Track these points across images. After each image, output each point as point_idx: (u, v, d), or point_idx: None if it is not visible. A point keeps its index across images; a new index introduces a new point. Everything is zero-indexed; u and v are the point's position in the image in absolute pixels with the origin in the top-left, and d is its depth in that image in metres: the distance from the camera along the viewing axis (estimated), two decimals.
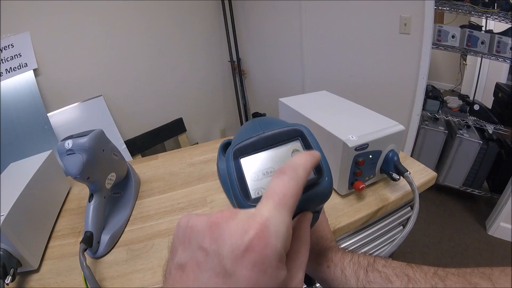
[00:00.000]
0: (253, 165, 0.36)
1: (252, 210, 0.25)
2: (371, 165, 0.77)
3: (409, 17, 1.92)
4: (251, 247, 0.21)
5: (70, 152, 0.68)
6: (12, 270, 0.63)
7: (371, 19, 2.11)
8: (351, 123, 0.80)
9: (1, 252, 0.63)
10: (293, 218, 0.32)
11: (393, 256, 0.84)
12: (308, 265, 0.40)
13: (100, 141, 0.75)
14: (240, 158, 0.37)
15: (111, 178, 0.79)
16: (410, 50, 2.01)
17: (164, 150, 2.48)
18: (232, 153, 0.37)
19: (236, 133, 0.45)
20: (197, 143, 2.74)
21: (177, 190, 0.94)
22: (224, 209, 0.25)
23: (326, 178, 0.35)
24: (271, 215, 0.24)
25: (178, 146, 2.69)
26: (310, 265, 0.43)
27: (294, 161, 0.29)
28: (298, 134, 0.38)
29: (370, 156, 0.75)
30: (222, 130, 3.32)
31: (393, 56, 2.11)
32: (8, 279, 0.61)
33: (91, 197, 0.74)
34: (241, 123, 3.16)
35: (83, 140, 0.69)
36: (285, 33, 2.70)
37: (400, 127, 0.77)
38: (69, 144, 0.69)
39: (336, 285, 0.39)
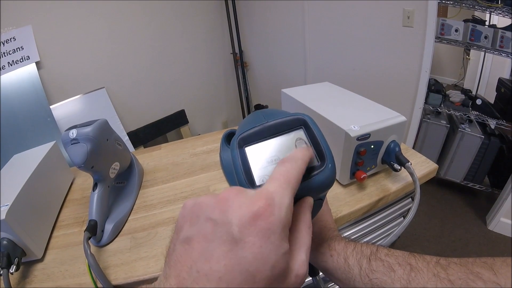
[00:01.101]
0: (257, 154, 0.37)
1: (258, 188, 0.27)
2: (372, 155, 0.77)
3: (412, 10, 1.92)
4: (258, 215, 0.23)
5: (75, 141, 0.69)
6: (16, 260, 0.63)
7: (374, 11, 2.10)
8: (353, 114, 0.80)
9: (5, 242, 0.63)
10: (294, 203, 0.33)
11: (393, 248, 0.84)
12: (311, 254, 0.41)
13: (104, 130, 0.75)
14: (245, 147, 0.37)
15: (115, 167, 0.80)
16: (413, 43, 2.01)
17: (166, 142, 2.49)
18: (237, 142, 0.38)
19: (240, 124, 0.46)
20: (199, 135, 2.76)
21: (180, 180, 0.95)
22: (231, 187, 0.27)
23: (330, 165, 0.35)
24: (276, 190, 0.26)
25: (180, 138, 2.68)
26: (313, 254, 0.43)
27: (294, 154, 0.32)
28: (302, 123, 0.38)
29: (372, 146, 0.75)
30: (224, 122, 3.33)
31: (396, 49, 2.11)
32: (12, 269, 0.61)
33: (95, 186, 0.75)
34: (243, 115, 3.18)
35: (88, 129, 0.69)
36: (288, 26, 2.70)
37: (402, 118, 0.78)
38: (73, 133, 0.69)
39: (340, 274, 0.39)
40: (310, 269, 0.48)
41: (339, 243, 0.42)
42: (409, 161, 0.74)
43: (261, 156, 0.36)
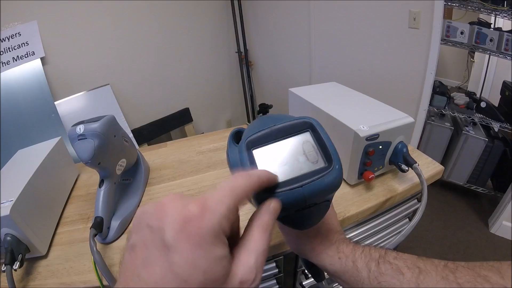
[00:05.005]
0: (265, 156, 0.38)
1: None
2: (380, 155, 0.77)
3: (418, 11, 1.91)
4: (188, 220, 0.23)
5: (82, 137, 0.68)
6: (20, 256, 0.63)
7: (380, 12, 2.09)
8: (362, 114, 0.80)
9: (9, 238, 0.63)
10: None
11: (397, 250, 0.83)
12: (319, 257, 0.42)
13: (112, 126, 0.74)
14: (253, 149, 0.38)
15: (122, 164, 0.79)
16: (418, 45, 2.00)
17: (170, 140, 2.49)
18: (245, 144, 0.38)
19: (247, 128, 0.46)
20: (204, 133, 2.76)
21: (186, 177, 0.95)
22: (172, 193, 0.27)
23: (337, 166, 0.36)
24: (212, 196, 0.26)
25: (184, 136, 2.69)
26: (321, 257, 0.43)
27: (251, 171, 0.32)
28: (308, 126, 0.39)
29: (380, 147, 0.75)
30: (228, 121, 3.33)
31: (402, 51, 2.10)
32: (16, 265, 0.61)
33: (101, 182, 0.74)
34: (248, 114, 3.17)
35: (95, 125, 0.69)
36: (293, 25, 2.69)
37: (410, 119, 0.77)
38: (80, 129, 0.68)
39: (348, 277, 0.39)
40: (315, 274, 0.49)
41: (347, 246, 0.42)
42: (416, 162, 0.73)
43: (268, 158, 0.37)
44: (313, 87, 1.06)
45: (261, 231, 0.30)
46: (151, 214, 0.26)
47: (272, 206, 0.33)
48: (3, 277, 0.61)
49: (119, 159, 0.78)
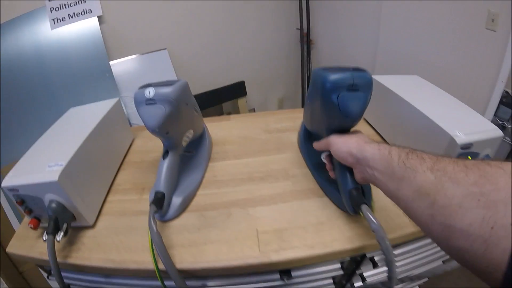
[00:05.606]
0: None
1: None
2: None
3: (497, 12, 1.74)
4: None
5: (151, 101, 0.60)
6: (65, 226, 0.57)
7: (456, 6, 1.92)
8: (453, 117, 0.72)
9: (54, 205, 0.57)
10: None
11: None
12: (363, 150, 0.52)
13: (185, 93, 0.67)
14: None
15: (189, 135, 0.72)
16: (493, 49, 1.82)
17: (221, 112, 2.55)
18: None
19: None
20: (253, 109, 2.74)
21: (253, 157, 0.86)
22: None
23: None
24: None
25: (236, 109, 2.62)
26: (365, 149, 0.51)
27: None
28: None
29: (469, 157, 0.66)
30: (280, 100, 3.17)
31: (474, 52, 1.93)
32: (60, 235, 0.55)
33: (165, 154, 0.67)
34: (302, 95, 3.02)
35: (168, 90, 0.60)
36: (363, 8, 2.52)
37: (499, 132, 0.69)
38: (150, 92, 0.60)
39: (382, 163, 0.47)
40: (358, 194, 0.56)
41: (385, 144, 0.51)
42: None
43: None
44: (394, 77, 0.98)
45: None
46: None
47: None
48: (43, 246, 0.56)
49: (187, 130, 0.71)
